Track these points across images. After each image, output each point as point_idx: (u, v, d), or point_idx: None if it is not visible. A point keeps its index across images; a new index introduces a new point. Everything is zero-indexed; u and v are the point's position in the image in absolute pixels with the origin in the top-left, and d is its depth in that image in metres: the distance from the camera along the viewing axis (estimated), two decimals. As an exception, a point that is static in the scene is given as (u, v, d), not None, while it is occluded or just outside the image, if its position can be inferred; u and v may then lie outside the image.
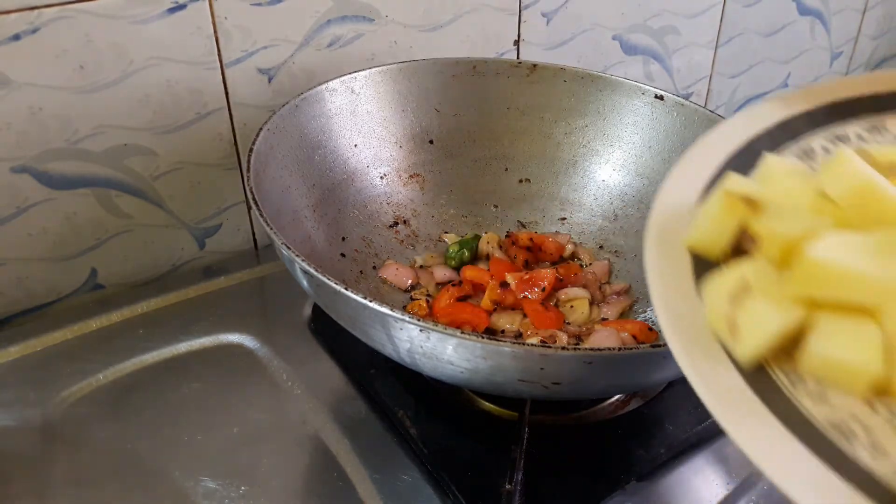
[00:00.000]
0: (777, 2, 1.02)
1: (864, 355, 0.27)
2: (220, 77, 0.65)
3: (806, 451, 0.25)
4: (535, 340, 0.55)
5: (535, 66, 0.69)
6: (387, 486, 0.49)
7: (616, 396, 0.56)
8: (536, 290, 0.60)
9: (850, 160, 0.31)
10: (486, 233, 0.68)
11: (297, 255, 0.44)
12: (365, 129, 0.66)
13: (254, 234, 0.74)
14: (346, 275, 0.61)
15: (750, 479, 0.51)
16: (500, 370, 0.41)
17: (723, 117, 0.60)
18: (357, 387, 0.57)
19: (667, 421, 0.54)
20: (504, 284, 0.61)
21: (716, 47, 1.00)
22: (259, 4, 0.64)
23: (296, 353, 0.59)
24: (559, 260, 0.66)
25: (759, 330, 0.28)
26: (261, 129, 0.56)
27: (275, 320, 0.63)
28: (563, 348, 0.41)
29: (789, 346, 0.29)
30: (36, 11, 0.55)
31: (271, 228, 0.46)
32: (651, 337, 0.57)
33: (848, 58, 1.19)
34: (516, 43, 0.81)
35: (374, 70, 0.65)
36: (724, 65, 1.03)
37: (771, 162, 0.34)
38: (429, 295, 0.62)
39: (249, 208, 0.72)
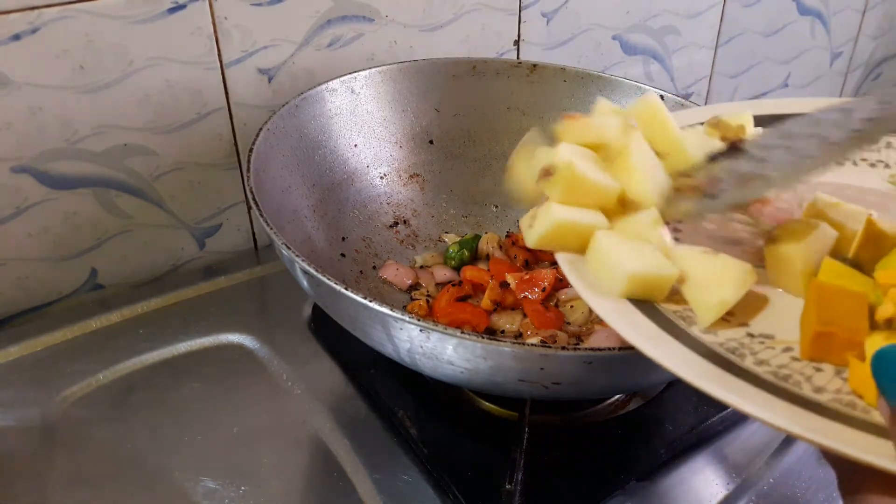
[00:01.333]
0: (777, 2, 1.02)
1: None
2: (220, 77, 0.65)
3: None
4: (535, 340, 0.55)
5: (535, 66, 0.69)
6: (387, 486, 0.49)
7: (616, 396, 0.56)
8: (536, 290, 0.60)
9: (650, 99, 0.43)
10: (486, 233, 0.68)
11: (297, 255, 0.44)
12: (365, 129, 0.66)
13: (254, 234, 0.74)
14: (346, 275, 0.61)
15: (750, 479, 0.51)
16: (500, 370, 0.41)
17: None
18: (357, 387, 0.57)
19: (667, 421, 0.54)
20: (504, 284, 0.61)
21: (716, 47, 1.00)
22: (259, 4, 0.64)
23: (296, 353, 0.59)
24: (559, 260, 0.66)
25: (542, 222, 0.39)
26: (261, 129, 0.56)
27: (275, 320, 0.63)
28: (563, 348, 0.41)
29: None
30: (36, 11, 0.55)
31: (271, 228, 0.46)
32: (651, 337, 0.57)
33: (848, 58, 1.19)
34: (516, 43, 0.81)
35: (374, 70, 0.65)
36: (724, 65, 1.03)
37: (602, 102, 0.46)
38: (429, 295, 0.62)
39: (249, 208, 0.72)
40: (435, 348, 0.41)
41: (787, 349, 0.33)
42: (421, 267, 0.65)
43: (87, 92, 0.59)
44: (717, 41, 0.99)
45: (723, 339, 0.34)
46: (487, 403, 0.55)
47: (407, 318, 0.40)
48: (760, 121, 0.49)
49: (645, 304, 0.36)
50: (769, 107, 0.50)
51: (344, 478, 0.49)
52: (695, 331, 0.34)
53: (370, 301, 0.41)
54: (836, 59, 1.17)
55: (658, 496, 0.50)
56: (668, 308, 0.36)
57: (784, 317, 0.35)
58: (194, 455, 0.51)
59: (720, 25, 0.98)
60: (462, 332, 0.39)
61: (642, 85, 0.66)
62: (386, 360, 0.50)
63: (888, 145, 0.49)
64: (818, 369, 0.32)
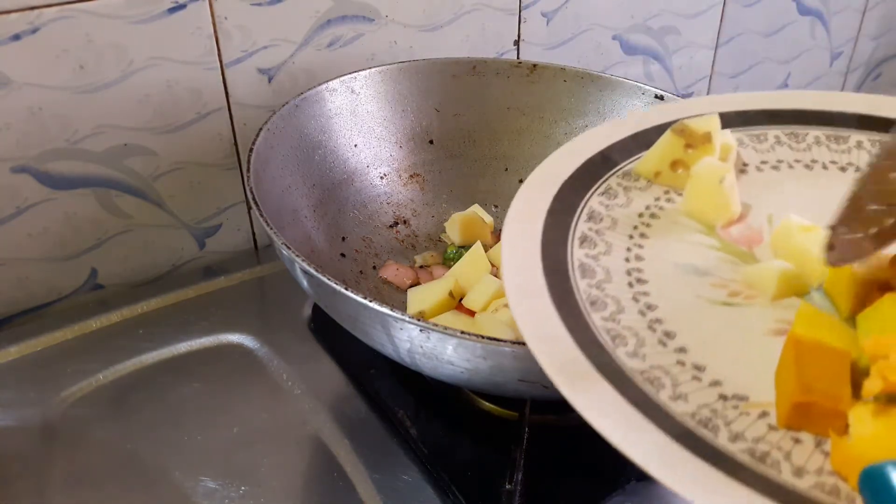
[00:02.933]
0: (777, 2, 1.02)
1: None
2: (220, 77, 0.65)
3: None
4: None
5: (535, 66, 0.69)
6: (387, 486, 0.49)
7: (616, 396, 0.56)
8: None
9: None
10: (486, 233, 0.68)
11: (297, 255, 0.44)
12: (365, 129, 0.66)
13: (254, 234, 0.74)
14: (346, 275, 0.61)
15: (750, 479, 0.51)
16: (500, 370, 0.41)
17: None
18: (357, 387, 0.57)
19: (667, 421, 0.54)
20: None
21: (716, 47, 1.00)
22: (259, 4, 0.64)
23: (296, 353, 0.59)
24: (559, 260, 0.66)
25: None
26: (261, 129, 0.56)
27: (275, 320, 0.63)
28: (563, 348, 0.41)
29: None
30: (36, 11, 0.55)
31: (271, 228, 0.46)
32: (651, 337, 0.57)
33: (848, 58, 1.19)
34: (516, 43, 0.81)
35: (374, 70, 0.65)
36: (724, 65, 1.03)
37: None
38: (429, 295, 0.62)
39: (249, 208, 0.72)
40: (435, 348, 0.41)
41: (764, 414, 0.32)
42: (421, 267, 0.65)
43: (87, 92, 0.59)
44: (717, 41, 0.99)
45: (694, 406, 0.32)
46: (487, 403, 0.55)
47: (407, 318, 0.40)
48: (753, 116, 0.48)
49: (612, 369, 0.33)
50: (760, 100, 0.49)
51: (344, 478, 0.49)
52: (663, 397, 0.32)
53: (370, 301, 0.41)
54: (836, 59, 1.17)
55: (658, 496, 0.50)
56: (636, 369, 0.33)
57: (758, 368, 0.33)
58: (194, 455, 0.51)
59: (720, 25, 0.98)
60: (462, 332, 0.39)
61: (642, 85, 0.66)
62: (386, 360, 0.50)
63: (859, 145, 0.47)
64: (797, 440, 0.30)
